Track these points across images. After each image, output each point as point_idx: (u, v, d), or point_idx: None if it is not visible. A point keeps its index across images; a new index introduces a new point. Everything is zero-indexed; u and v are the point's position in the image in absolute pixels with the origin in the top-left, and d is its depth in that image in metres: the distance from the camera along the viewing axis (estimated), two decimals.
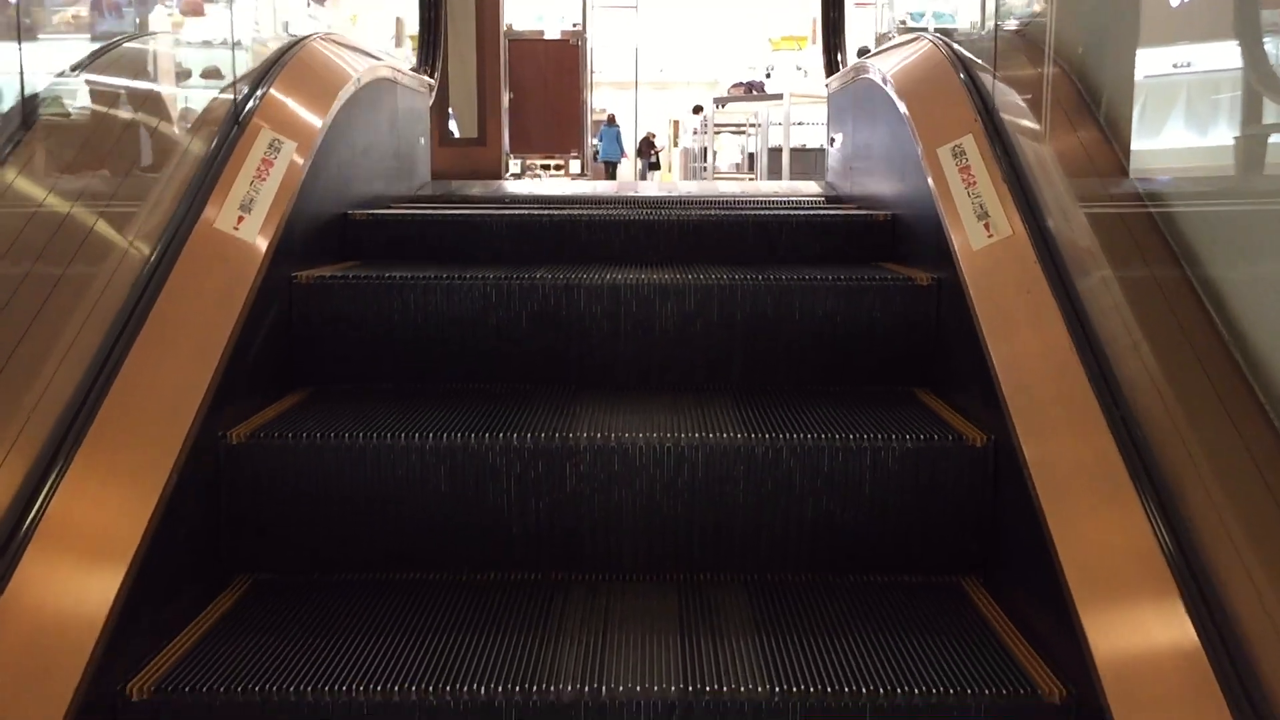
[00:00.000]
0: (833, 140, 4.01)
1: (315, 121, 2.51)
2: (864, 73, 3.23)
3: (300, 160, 2.33)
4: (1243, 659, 1.21)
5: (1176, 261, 1.71)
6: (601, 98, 19.47)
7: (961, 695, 1.50)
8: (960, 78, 2.44)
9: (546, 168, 10.21)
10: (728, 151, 17.76)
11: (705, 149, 13.98)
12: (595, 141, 16.57)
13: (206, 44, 2.92)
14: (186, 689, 1.51)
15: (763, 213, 2.94)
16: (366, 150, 3.10)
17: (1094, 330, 1.69)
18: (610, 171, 18.50)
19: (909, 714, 1.49)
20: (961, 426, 1.98)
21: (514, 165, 9.80)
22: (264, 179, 2.18)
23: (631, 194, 3.52)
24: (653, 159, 20.94)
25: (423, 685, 1.52)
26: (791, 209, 3.21)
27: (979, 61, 2.49)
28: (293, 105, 2.48)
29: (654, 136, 21.94)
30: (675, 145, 23.92)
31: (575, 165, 9.92)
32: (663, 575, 1.95)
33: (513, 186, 4.41)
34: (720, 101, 12.71)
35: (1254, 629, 1.23)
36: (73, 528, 1.48)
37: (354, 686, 1.52)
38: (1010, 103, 2.28)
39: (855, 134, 3.53)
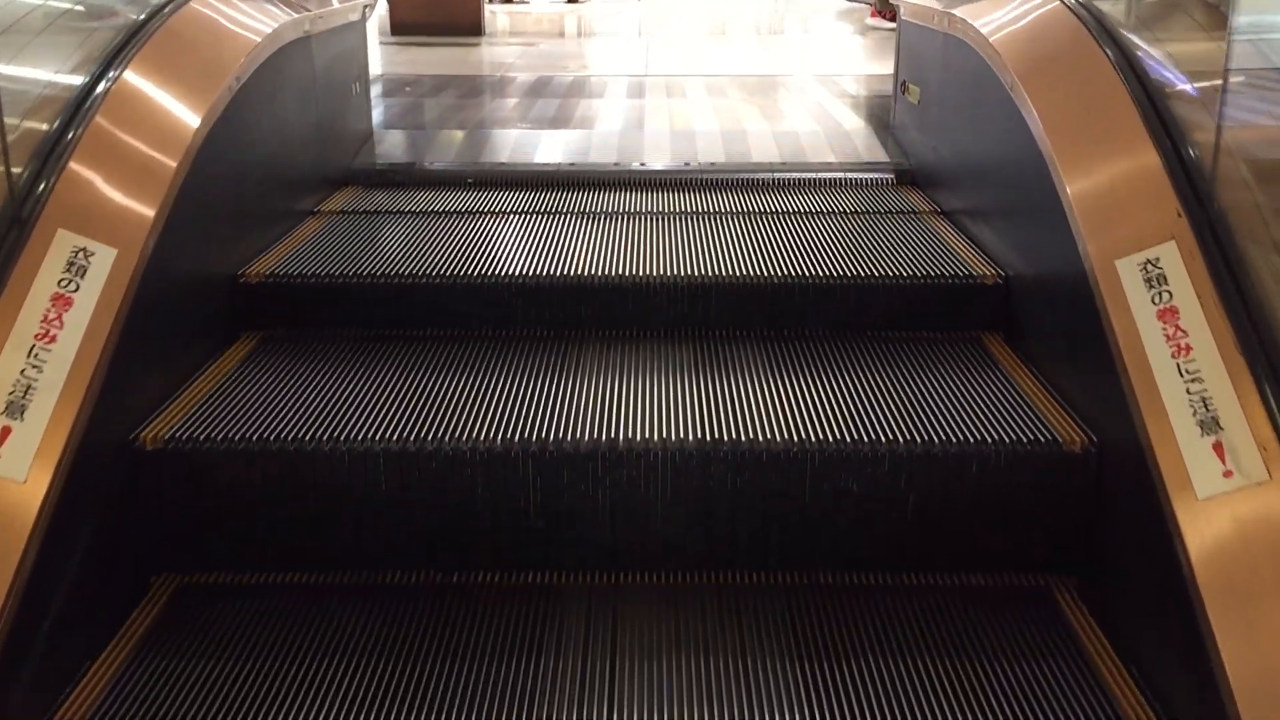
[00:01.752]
0: (904, 86, 2.94)
1: (170, 165, 1.59)
2: (956, 27, 2.30)
3: (130, 265, 1.42)
4: None
5: None
6: None
7: (981, 443, 1.49)
8: (1129, 90, 1.52)
9: None
10: None
11: None
12: None
13: None
14: (201, 436, 1.50)
15: None
16: (262, 161, 2.13)
17: None
18: None
19: (927, 461, 1.48)
20: None
21: None
22: (53, 338, 1.29)
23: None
24: None
25: (439, 434, 1.51)
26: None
27: (1158, 65, 1.53)
28: (127, 156, 1.55)
29: None
30: None
31: None
32: (682, 334, 1.94)
33: (499, 138, 3.27)
34: None
35: None
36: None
37: (370, 435, 1.51)
38: (1237, 175, 1.31)
39: (943, 104, 2.57)
